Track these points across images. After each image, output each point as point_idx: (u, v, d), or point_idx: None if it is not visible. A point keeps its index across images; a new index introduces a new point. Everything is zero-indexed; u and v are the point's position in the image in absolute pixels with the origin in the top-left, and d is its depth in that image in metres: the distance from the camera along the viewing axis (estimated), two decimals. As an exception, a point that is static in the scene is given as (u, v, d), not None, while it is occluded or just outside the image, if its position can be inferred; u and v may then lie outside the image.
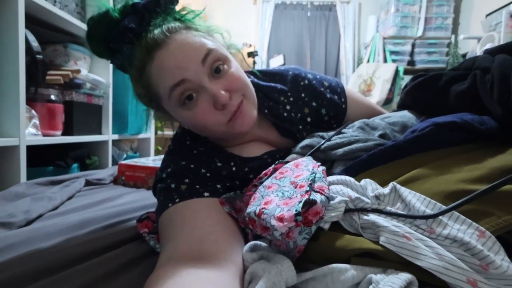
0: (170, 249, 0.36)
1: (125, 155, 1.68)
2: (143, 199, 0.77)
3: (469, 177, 0.32)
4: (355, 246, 0.32)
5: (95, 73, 1.39)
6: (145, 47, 0.45)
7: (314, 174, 0.39)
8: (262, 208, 0.36)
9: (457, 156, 0.36)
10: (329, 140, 0.49)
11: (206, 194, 0.44)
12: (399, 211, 0.32)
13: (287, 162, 0.47)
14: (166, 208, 0.43)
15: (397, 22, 2.68)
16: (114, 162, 1.53)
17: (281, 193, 0.38)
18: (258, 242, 0.39)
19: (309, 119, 0.58)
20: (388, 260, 0.30)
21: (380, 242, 0.31)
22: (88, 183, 0.92)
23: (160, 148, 2.19)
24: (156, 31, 0.45)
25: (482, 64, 0.42)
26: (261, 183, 0.45)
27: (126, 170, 1.01)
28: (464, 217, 0.29)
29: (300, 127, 0.57)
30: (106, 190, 0.89)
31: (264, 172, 0.46)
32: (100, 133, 1.45)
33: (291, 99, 0.58)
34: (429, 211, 0.31)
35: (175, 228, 0.39)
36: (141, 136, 1.84)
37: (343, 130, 0.52)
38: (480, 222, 0.29)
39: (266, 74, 0.61)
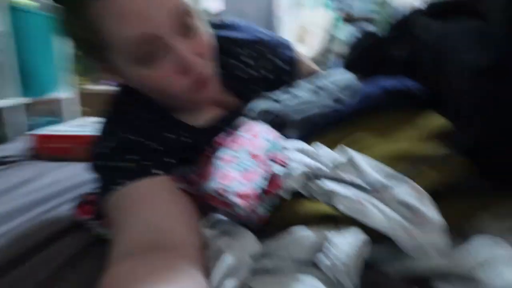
0: (123, 242, 0.33)
1: (40, 122, 1.42)
2: (74, 176, 0.67)
3: (410, 140, 0.36)
4: (313, 209, 0.34)
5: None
6: None
7: (273, 144, 0.38)
8: (223, 184, 0.35)
9: (399, 120, 0.40)
10: (282, 103, 0.48)
11: (158, 172, 0.40)
12: (354, 178, 0.34)
13: (241, 129, 0.45)
14: (111, 190, 0.38)
15: (335, -34, 2.62)
16: (25, 132, 1.28)
17: (240, 166, 0.37)
18: (217, 217, 0.39)
19: (270, 76, 0.56)
20: (343, 221, 0.33)
21: (336, 206, 0.33)
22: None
23: (87, 109, 1.88)
24: None
25: (420, 34, 0.44)
26: (217, 154, 0.43)
27: (44, 141, 0.86)
28: (407, 179, 0.33)
29: (260, 89, 0.54)
30: (20, 169, 0.74)
31: (218, 141, 0.43)
32: (-1, 96, 1.17)
33: (252, 53, 0.54)
34: (379, 176, 0.34)
35: (126, 214, 0.36)
36: (60, 96, 1.55)
37: (296, 92, 0.52)
38: (416, 181, 0.34)
39: (217, 27, 0.54)
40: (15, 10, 1.22)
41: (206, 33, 0.42)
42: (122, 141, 0.42)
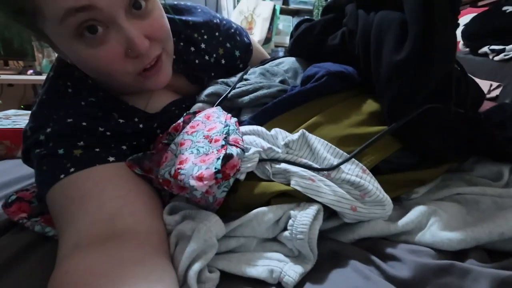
0: (75, 233, 0.30)
1: None
2: (-2, 174, 0.58)
3: (354, 122, 0.40)
4: (271, 189, 0.36)
5: None
6: None
7: (228, 127, 0.38)
8: (178, 168, 0.34)
9: (343, 103, 0.44)
10: (234, 87, 0.48)
11: (110, 158, 0.37)
12: (306, 160, 0.37)
13: (195, 113, 0.45)
14: (56, 180, 0.34)
15: (273, -44, 2.66)
16: None
17: (196, 150, 0.37)
18: (177, 203, 0.38)
19: (223, 61, 0.55)
20: (299, 198, 0.35)
21: (291, 185, 0.35)
22: None
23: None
24: None
25: (349, 25, 0.48)
26: (172, 139, 0.41)
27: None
28: (353, 159, 0.37)
29: (213, 73, 0.54)
30: None
31: (172, 127, 0.42)
32: None
33: (205, 36, 0.52)
34: (330, 156, 0.37)
35: (76, 206, 0.32)
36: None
37: (245, 77, 0.53)
38: (362, 160, 0.38)
39: (172, 9, 0.51)
40: None
41: (159, 14, 0.39)
42: (63, 126, 0.37)
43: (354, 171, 0.37)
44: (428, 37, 0.36)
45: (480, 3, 1.53)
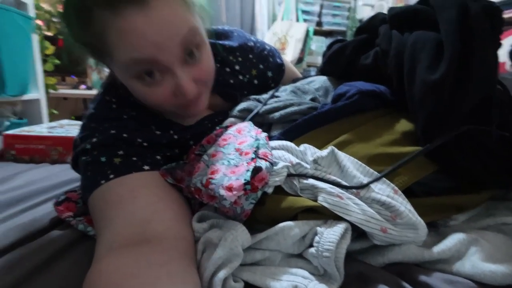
0: (109, 236, 0.33)
1: (7, 123, 1.34)
2: (50, 177, 0.65)
3: (386, 141, 0.40)
4: (298, 205, 0.36)
5: None
6: None
7: (258, 141, 0.40)
8: (210, 178, 0.36)
9: (375, 121, 0.43)
10: (265, 103, 0.50)
11: (146, 167, 0.40)
12: (334, 177, 0.37)
13: (227, 127, 0.47)
14: (97, 185, 0.37)
15: (309, -20, 2.75)
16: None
17: (227, 161, 0.38)
18: (206, 212, 0.39)
19: (255, 81, 0.58)
20: (326, 215, 0.35)
21: (318, 201, 0.35)
22: (-41, 163, 0.72)
23: (55, 112, 1.81)
24: None
25: (382, 45, 0.48)
26: (204, 151, 0.44)
27: (15, 142, 0.82)
28: (384, 179, 0.36)
29: (245, 92, 0.57)
30: (-8, 169, 0.71)
31: (205, 139, 0.44)
32: (-39, 95, 1.10)
33: (240, 58, 0.56)
34: (359, 174, 0.36)
35: (113, 210, 0.35)
36: (27, 97, 1.48)
37: (277, 94, 0.54)
38: (393, 180, 0.37)
39: (211, 34, 0.56)
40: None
41: (208, 60, 0.44)
42: (106, 136, 0.41)
43: (385, 191, 0.36)
44: (465, 58, 0.35)
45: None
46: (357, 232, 0.36)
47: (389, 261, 0.35)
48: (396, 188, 0.36)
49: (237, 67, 0.56)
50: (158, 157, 0.44)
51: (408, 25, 0.45)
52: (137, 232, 0.32)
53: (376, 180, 0.36)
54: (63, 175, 0.64)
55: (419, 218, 0.35)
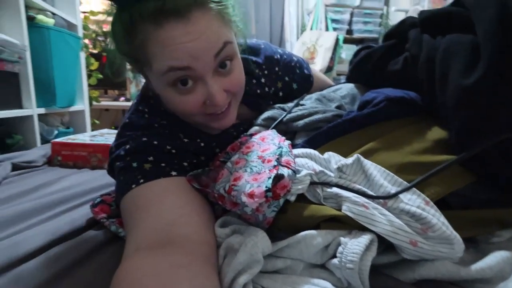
0: (137, 237, 0.34)
1: (56, 132, 1.48)
2: (89, 181, 0.70)
3: (417, 149, 0.37)
4: (321, 213, 0.35)
5: (3, 32, 1.14)
6: (161, 6, 0.36)
7: (281, 149, 0.40)
8: (232, 185, 0.37)
9: (404, 129, 0.41)
10: (290, 112, 0.50)
11: (173, 173, 0.42)
12: (360, 186, 0.36)
13: (251, 135, 0.48)
14: (128, 190, 0.40)
15: (338, -11, 2.74)
16: (44, 141, 1.34)
17: (249, 169, 0.39)
18: (229, 217, 0.40)
19: (281, 93, 0.59)
20: (350, 225, 0.34)
21: (342, 211, 0.34)
22: (15, 167, 0.80)
23: (97, 122, 1.97)
24: None
25: (412, 50, 0.46)
26: (228, 158, 0.45)
27: (62, 149, 0.90)
28: (414, 189, 0.34)
29: (271, 102, 0.58)
30: (41, 173, 0.78)
31: (230, 146, 0.45)
32: (20, 106, 1.23)
33: (266, 72, 0.57)
34: (387, 183, 0.35)
35: (141, 212, 0.37)
36: (73, 108, 1.63)
37: (302, 102, 0.54)
38: (425, 191, 0.34)
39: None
40: (36, 27, 1.30)
41: (239, 71, 0.45)
42: (138, 143, 0.44)
43: (415, 201, 0.34)
44: (505, 60, 0.32)
45: None
46: (385, 245, 0.34)
47: (420, 277, 0.32)
48: (427, 199, 0.34)
49: (262, 80, 0.57)
50: (185, 163, 0.45)
51: (441, 29, 0.43)
52: (162, 234, 0.34)
53: (406, 190, 0.34)
54: (100, 180, 0.68)
55: (454, 232, 0.32)
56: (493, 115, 0.34)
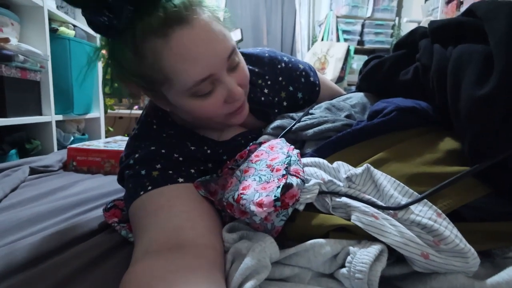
0: (146, 241, 0.35)
1: (72, 138, 1.53)
2: (103, 186, 0.72)
3: (428, 160, 0.37)
4: (330, 223, 0.35)
5: (27, 43, 1.20)
6: (163, 18, 0.36)
7: (289, 158, 0.40)
8: (241, 194, 0.37)
9: (415, 139, 0.41)
10: (299, 121, 0.50)
11: (180, 179, 0.43)
12: (369, 196, 0.35)
13: (260, 143, 0.48)
14: (137, 196, 0.41)
15: (349, 1, 2.76)
16: (60, 146, 1.38)
17: (258, 177, 0.39)
18: (237, 223, 0.40)
19: (285, 103, 0.59)
20: (360, 235, 0.33)
21: (351, 221, 0.34)
22: (33, 171, 0.83)
23: (111, 129, 2.03)
24: (177, 1, 0.37)
25: (423, 60, 0.46)
26: (237, 166, 0.45)
27: (77, 154, 0.93)
28: (425, 200, 0.33)
29: (276, 110, 0.58)
30: (57, 178, 0.81)
31: (239, 154, 0.46)
32: (40, 113, 1.29)
33: (269, 82, 0.58)
34: (397, 194, 0.34)
35: (149, 218, 0.38)
36: (89, 116, 1.68)
37: (311, 111, 0.54)
38: (437, 203, 0.34)
39: (242, 55, 0.59)
40: (58, 38, 1.37)
41: (243, 65, 0.47)
42: (146, 152, 0.45)
43: (426, 213, 0.33)
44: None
45: None
46: (396, 256, 0.33)
47: (432, 290, 0.31)
48: (439, 211, 0.33)
49: (266, 90, 0.58)
50: (192, 170, 0.46)
51: (451, 39, 0.43)
52: (170, 238, 0.34)
53: (417, 201, 0.34)
54: (113, 185, 0.70)
55: (468, 245, 0.31)
56: (507, 127, 0.33)
